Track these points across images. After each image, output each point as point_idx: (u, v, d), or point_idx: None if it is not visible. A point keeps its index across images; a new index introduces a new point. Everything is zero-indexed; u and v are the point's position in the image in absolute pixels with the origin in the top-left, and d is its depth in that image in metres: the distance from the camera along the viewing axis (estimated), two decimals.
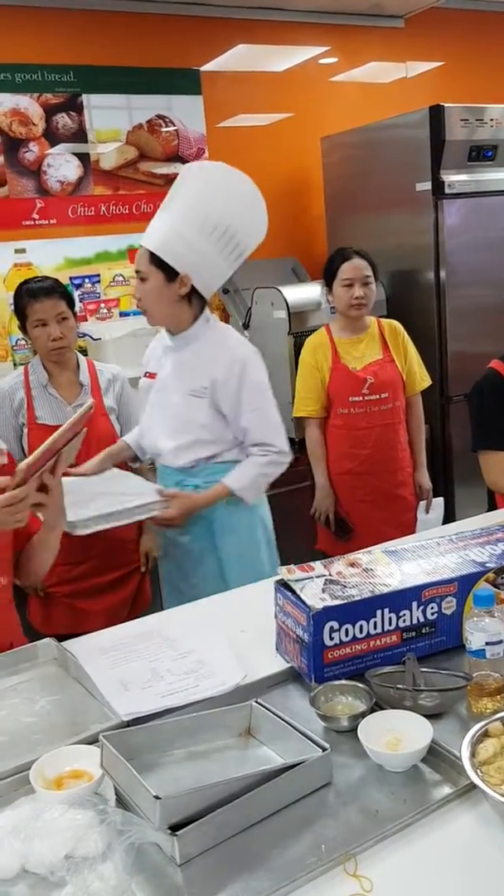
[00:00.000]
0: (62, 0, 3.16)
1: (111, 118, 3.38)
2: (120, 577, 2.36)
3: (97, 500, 1.99)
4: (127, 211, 3.44)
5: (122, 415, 2.48)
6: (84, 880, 0.94)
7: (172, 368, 2.13)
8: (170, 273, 1.99)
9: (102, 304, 3.34)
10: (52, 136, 3.25)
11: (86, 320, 3.27)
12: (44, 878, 0.97)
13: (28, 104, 3.20)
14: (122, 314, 3.37)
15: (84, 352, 2.99)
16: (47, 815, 1.03)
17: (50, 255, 3.23)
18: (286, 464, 2.12)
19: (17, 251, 3.16)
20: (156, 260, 1.99)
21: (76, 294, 3.26)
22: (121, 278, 3.36)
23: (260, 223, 2.08)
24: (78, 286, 3.29)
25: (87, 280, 3.30)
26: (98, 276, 3.33)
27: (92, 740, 1.19)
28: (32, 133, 3.22)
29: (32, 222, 3.24)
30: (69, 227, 3.30)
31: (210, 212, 1.97)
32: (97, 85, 3.32)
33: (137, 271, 2.04)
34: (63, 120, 3.27)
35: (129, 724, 1.25)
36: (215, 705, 1.29)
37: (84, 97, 3.30)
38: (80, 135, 3.32)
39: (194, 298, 2.05)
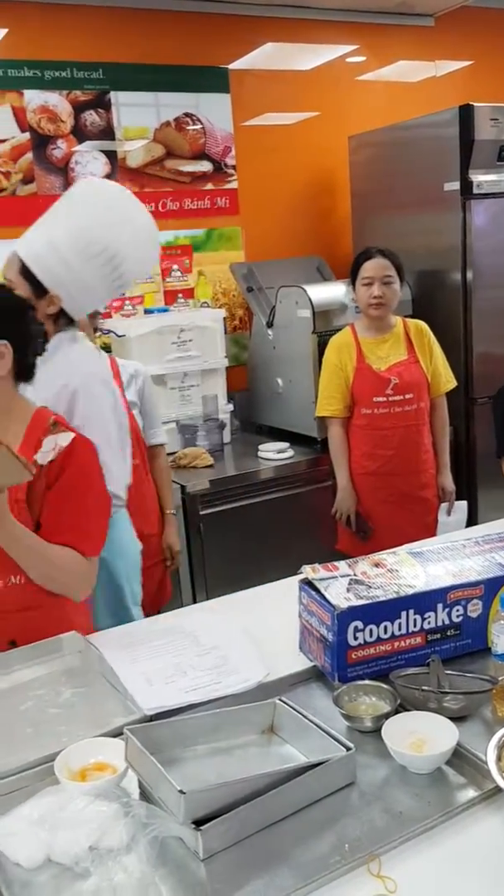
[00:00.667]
0: None
1: (139, 116, 3.39)
2: (143, 569, 2.37)
3: None
4: (153, 209, 3.44)
5: (143, 410, 2.49)
6: (108, 872, 0.95)
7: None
8: (39, 289, 1.83)
9: (127, 301, 3.36)
10: (80, 134, 3.27)
11: (110, 317, 3.28)
12: (68, 869, 0.98)
13: (57, 101, 3.22)
14: (147, 311, 3.38)
15: (108, 349, 3.01)
16: (72, 807, 1.04)
17: None
18: (116, 506, 1.88)
19: None
20: (27, 273, 1.83)
21: None
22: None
23: (149, 258, 1.98)
24: None
25: None
26: None
27: (116, 733, 1.20)
28: (61, 130, 3.24)
29: None
30: None
31: (99, 236, 1.81)
32: (125, 82, 3.34)
33: (6, 278, 1.87)
34: (91, 117, 3.29)
35: (152, 718, 1.26)
36: (238, 702, 1.29)
37: (112, 94, 3.32)
38: (107, 132, 3.33)
39: (62, 318, 1.89)
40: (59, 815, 1.03)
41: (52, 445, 1.53)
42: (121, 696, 1.34)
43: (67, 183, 3.26)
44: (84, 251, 1.81)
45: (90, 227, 1.81)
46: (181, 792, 0.98)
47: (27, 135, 3.18)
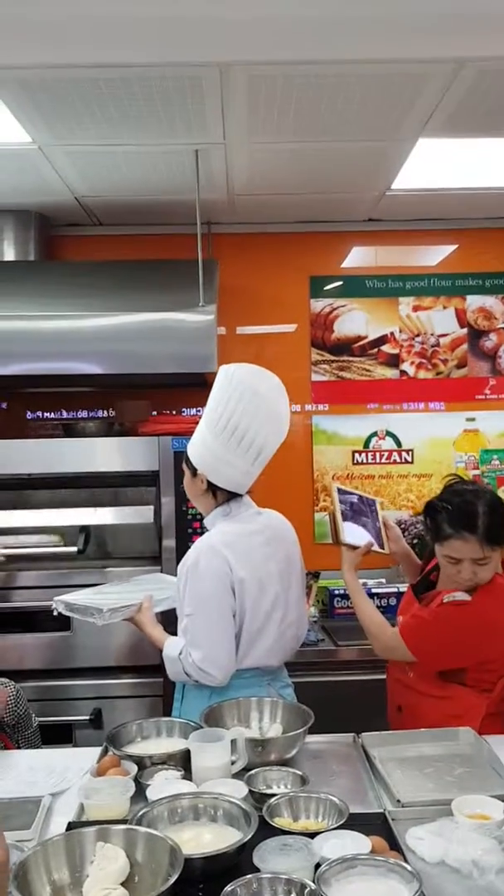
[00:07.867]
0: None
1: None
2: None
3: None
4: None
5: None
6: (487, 877, 1.34)
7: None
8: (192, 469, 2.20)
9: None
10: None
11: None
12: (456, 871, 1.40)
13: (493, 303, 3.92)
14: None
15: None
16: (461, 832, 1.46)
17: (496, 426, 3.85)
18: (212, 678, 2.04)
19: (468, 420, 3.84)
20: (187, 459, 2.22)
21: None
22: None
23: (271, 427, 2.12)
24: None
25: None
26: None
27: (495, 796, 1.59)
28: (493, 326, 3.92)
29: (484, 397, 3.90)
30: None
31: (221, 413, 2.10)
32: None
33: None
34: None
35: None
36: None
37: None
38: None
39: (219, 492, 2.19)
40: (453, 835, 1.46)
41: None
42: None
43: (494, 368, 3.89)
44: (213, 430, 2.11)
45: (215, 408, 2.12)
46: None
47: (465, 330, 3.92)
